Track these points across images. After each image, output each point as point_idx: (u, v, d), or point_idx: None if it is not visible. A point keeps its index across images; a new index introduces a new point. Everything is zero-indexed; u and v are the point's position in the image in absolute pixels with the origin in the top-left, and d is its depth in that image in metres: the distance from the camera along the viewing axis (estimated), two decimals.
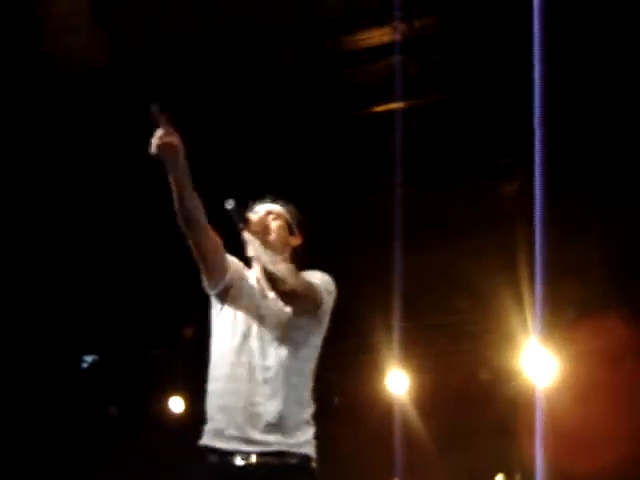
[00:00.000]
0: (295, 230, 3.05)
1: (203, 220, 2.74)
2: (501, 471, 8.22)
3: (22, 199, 7.44)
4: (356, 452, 9.34)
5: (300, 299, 2.79)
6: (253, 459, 2.74)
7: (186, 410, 9.71)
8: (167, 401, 9.84)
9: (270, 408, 2.76)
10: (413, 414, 9.50)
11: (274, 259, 2.77)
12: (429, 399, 9.49)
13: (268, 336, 2.84)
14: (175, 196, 2.67)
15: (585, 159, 6.82)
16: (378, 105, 6.43)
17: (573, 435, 7.97)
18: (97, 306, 8.88)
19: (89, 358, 10.16)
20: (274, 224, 2.95)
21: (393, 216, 6.34)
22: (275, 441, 2.75)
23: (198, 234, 2.75)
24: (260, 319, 2.87)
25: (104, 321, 9.16)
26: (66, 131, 7.00)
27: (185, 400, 9.70)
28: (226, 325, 2.90)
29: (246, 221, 2.80)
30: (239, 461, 2.74)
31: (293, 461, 2.76)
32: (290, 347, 2.84)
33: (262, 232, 2.83)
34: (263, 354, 2.82)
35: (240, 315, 2.89)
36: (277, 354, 2.82)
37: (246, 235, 2.82)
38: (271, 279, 2.78)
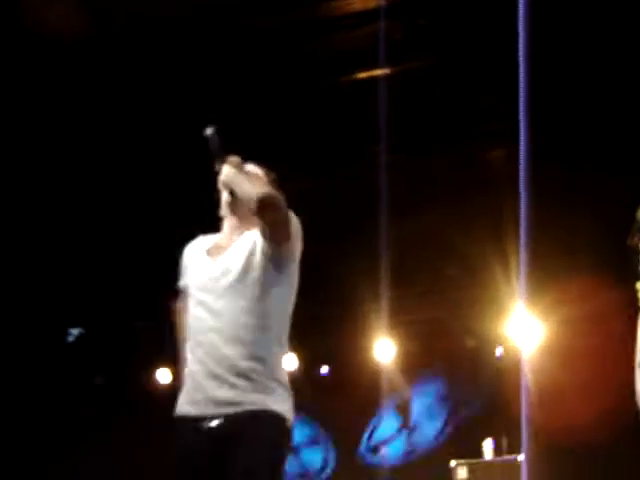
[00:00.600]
0: (270, 179, 2.98)
1: None
2: (488, 436, 8.29)
3: (5, 175, 7.36)
4: (344, 420, 9.41)
5: (279, 208, 2.73)
6: (215, 422, 2.72)
7: (173, 381, 9.73)
8: (154, 372, 9.87)
9: (229, 364, 2.73)
10: (400, 382, 9.58)
11: (245, 179, 2.78)
12: (416, 367, 9.56)
13: (221, 299, 2.80)
14: None
15: (572, 124, 6.79)
16: (362, 71, 6.35)
17: (558, 398, 8.04)
18: (83, 279, 8.83)
19: (75, 331, 10.14)
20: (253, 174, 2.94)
21: (379, 184, 6.30)
22: (239, 399, 2.70)
23: None
24: (210, 288, 2.85)
25: (90, 294, 9.12)
26: (47, 104, 6.89)
27: (172, 371, 9.72)
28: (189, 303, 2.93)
29: (224, 157, 2.79)
30: (205, 425, 2.72)
31: (259, 414, 2.71)
32: (245, 302, 2.77)
33: (239, 168, 2.82)
34: (217, 313, 2.79)
35: (196, 291, 2.91)
36: (230, 310, 2.77)
37: (222, 168, 2.80)
38: (243, 192, 2.77)
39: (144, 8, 6.09)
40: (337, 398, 9.34)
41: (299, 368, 8.78)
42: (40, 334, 9.81)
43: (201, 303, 2.86)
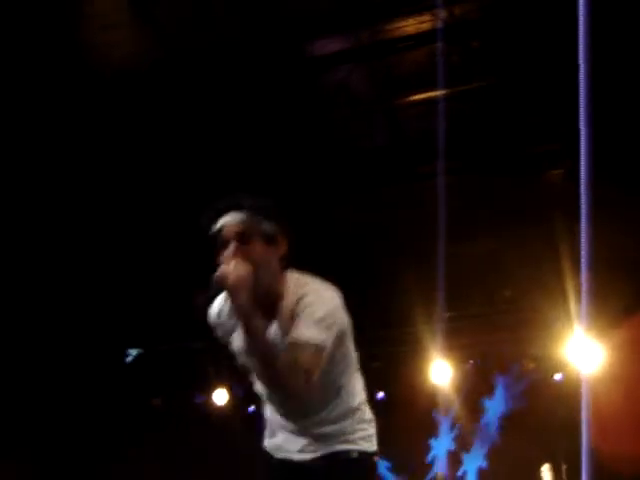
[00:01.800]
0: (276, 236, 2.62)
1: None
2: (547, 462, 8.17)
3: (67, 196, 7.52)
4: (402, 442, 9.34)
5: (282, 386, 2.50)
6: (309, 456, 2.76)
7: (229, 402, 9.78)
8: (211, 393, 9.93)
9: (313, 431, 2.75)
10: (457, 404, 9.49)
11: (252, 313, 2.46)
12: (473, 389, 9.47)
13: None
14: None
15: (633, 146, 6.69)
16: (420, 93, 6.37)
17: (619, 425, 7.88)
18: (141, 300, 8.95)
19: (134, 351, 10.26)
20: (246, 253, 2.54)
21: (437, 205, 6.28)
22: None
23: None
24: None
25: (148, 315, 9.23)
26: (106, 130, 7.03)
27: (228, 392, 9.78)
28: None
29: (218, 288, 2.50)
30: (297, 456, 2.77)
31: (352, 455, 2.75)
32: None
33: (240, 284, 2.45)
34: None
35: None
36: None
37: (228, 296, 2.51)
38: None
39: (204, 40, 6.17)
40: (394, 422, 9.31)
41: None
42: (99, 355, 9.94)
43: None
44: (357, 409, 2.81)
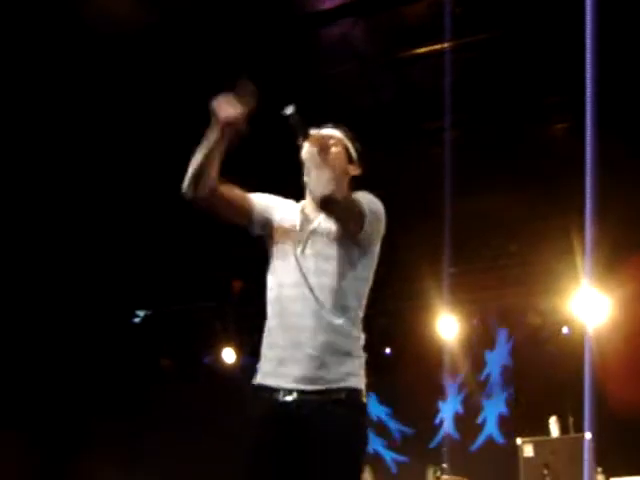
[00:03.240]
0: (355, 159, 2.98)
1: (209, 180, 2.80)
2: (554, 413, 8.21)
3: (75, 166, 7.49)
4: (409, 398, 9.43)
5: (340, 209, 2.68)
6: (296, 395, 2.72)
7: (238, 360, 9.85)
8: (220, 352, 9.99)
9: (312, 340, 2.73)
10: (461, 358, 9.55)
11: (320, 166, 2.65)
12: (479, 344, 9.52)
13: (308, 268, 2.80)
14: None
15: (638, 99, 6.62)
16: (424, 46, 6.27)
17: (624, 375, 7.92)
18: (148, 261, 8.96)
19: (141, 313, 10.31)
20: (333, 149, 2.86)
21: (442, 160, 6.24)
22: (317, 376, 2.72)
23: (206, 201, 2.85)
24: (299, 252, 2.84)
25: (156, 276, 9.25)
26: (103, 94, 6.95)
27: (237, 351, 9.85)
28: (271, 261, 2.92)
29: (307, 133, 2.69)
30: (284, 397, 2.73)
31: (340, 396, 2.72)
32: (332, 278, 2.78)
33: (321, 148, 2.69)
34: (306, 285, 2.78)
35: (281, 250, 2.89)
36: (319, 284, 2.77)
37: (305, 145, 2.72)
38: (312, 183, 2.75)
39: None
40: (401, 378, 9.39)
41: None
42: (107, 316, 9.99)
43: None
44: (358, 338, 2.83)
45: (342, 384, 2.73)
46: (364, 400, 2.79)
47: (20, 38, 6.24)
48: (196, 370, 10.36)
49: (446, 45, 5.92)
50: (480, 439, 9.49)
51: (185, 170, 2.88)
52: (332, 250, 2.82)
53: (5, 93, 6.61)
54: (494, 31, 6.10)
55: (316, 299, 2.76)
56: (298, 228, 2.89)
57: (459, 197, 6.92)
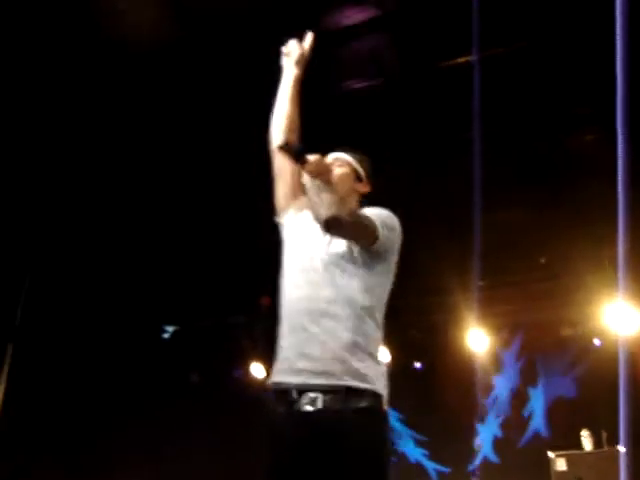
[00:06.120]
0: (363, 177, 3.12)
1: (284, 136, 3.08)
2: (587, 427, 8.13)
3: (107, 180, 7.55)
4: (441, 411, 9.35)
5: (346, 228, 2.74)
6: (319, 404, 2.72)
7: (267, 375, 9.84)
8: (248, 367, 10.00)
9: (328, 340, 2.77)
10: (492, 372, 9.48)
11: (321, 189, 2.69)
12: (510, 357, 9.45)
13: (321, 272, 2.88)
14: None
15: None
16: (454, 58, 6.26)
17: None
18: (178, 277, 8.99)
19: (170, 328, 10.35)
20: (338, 170, 3.02)
21: (473, 171, 6.21)
22: (338, 370, 2.72)
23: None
24: (311, 257, 2.94)
25: (184, 291, 9.29)
26: (134, 111, 7.00)
27: (266, 366, 9.84)
28: (286, 261, 3.05)
29: (304, 160, 2.71)
30: (305, 406, 2.73)
31: (362, 404, 2.71)
32: (345, 283, 2.84)
33: (320, 172, 2.72)
34: (319, 286, 2.86)
35: (296, 250, 3.01)
36: (334, 285, 2.84)
37: (304, 172, 2.76)
38: (313, 208, 2.77)
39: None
40: (432, 391, 9.32)
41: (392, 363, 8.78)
42: (136, 332, 10.04)
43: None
44: (376, 340, 2.86)
45: (361, 384, 2.73)
46: (385, 408, 2.78)
47: (47, 53, 6.31)
48: (225, 385, 10.37)
49: (475, 57, 5.90)
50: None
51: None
52: (347, 259, 2.88)
53: (34, 106, 6.68)
54: (523, 42, 6.08)
55: (329, 301, 2.83)
56: (314, 232, 2.96)
57: (488, 210, 6.88)
